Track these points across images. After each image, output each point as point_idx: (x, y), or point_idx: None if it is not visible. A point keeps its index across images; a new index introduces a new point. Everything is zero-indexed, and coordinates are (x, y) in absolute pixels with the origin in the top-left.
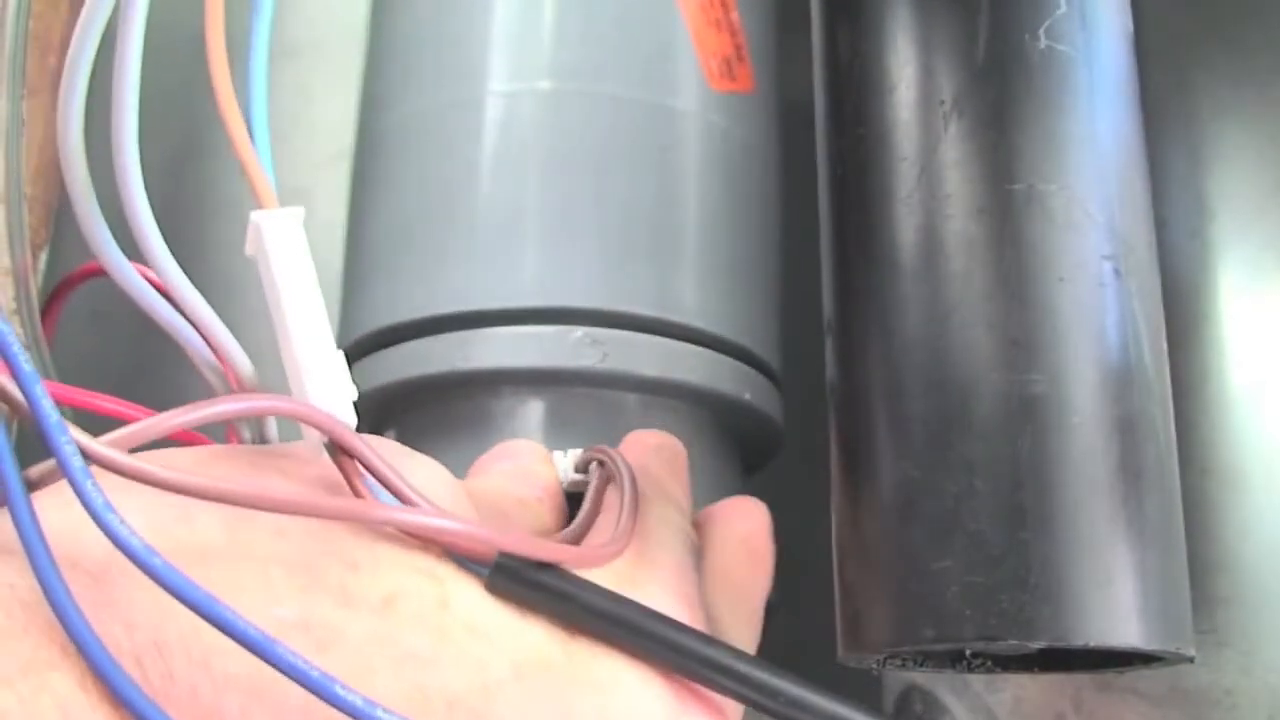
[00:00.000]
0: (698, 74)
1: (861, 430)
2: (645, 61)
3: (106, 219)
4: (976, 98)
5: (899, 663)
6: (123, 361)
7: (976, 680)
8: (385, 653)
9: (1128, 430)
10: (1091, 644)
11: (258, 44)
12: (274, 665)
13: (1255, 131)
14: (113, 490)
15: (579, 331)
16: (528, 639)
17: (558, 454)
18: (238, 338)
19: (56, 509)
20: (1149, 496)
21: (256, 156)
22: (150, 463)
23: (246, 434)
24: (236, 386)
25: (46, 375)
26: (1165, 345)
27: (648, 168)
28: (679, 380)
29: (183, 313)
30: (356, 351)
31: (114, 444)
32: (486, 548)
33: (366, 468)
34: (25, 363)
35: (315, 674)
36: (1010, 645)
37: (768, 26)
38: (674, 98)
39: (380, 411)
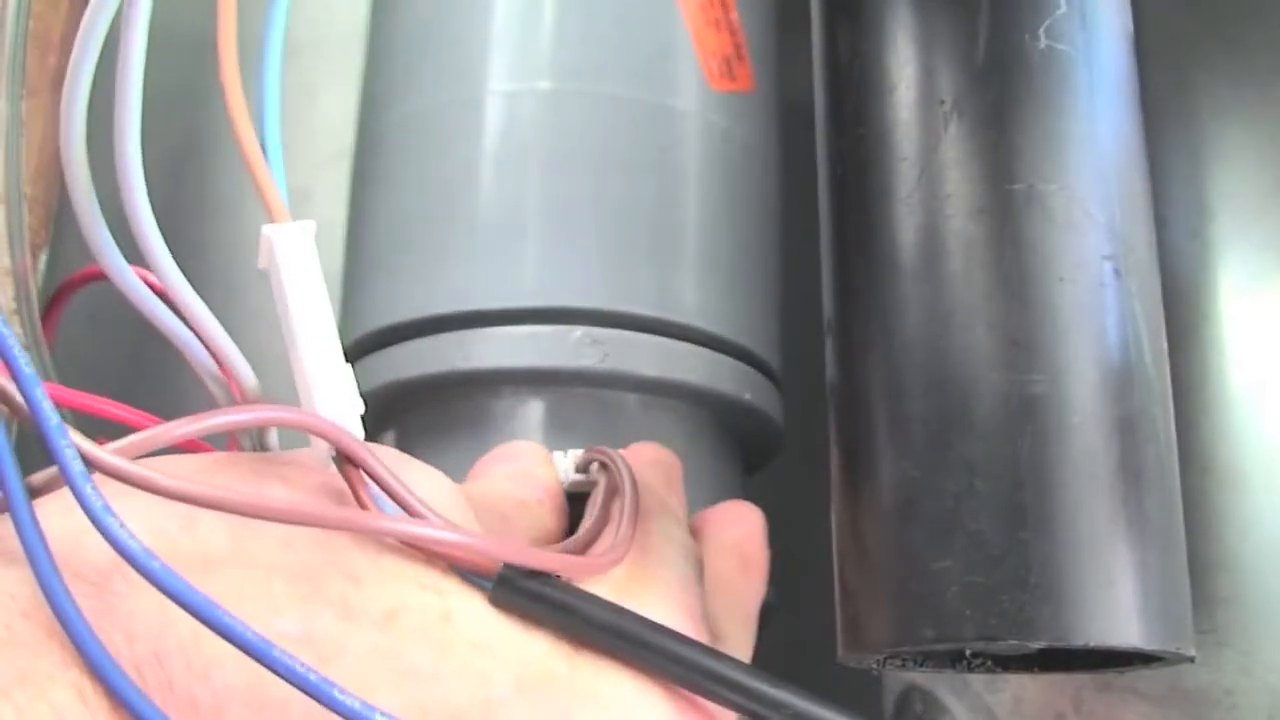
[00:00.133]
0: (698, 74)
1: (861, 430)
2: (645, 61)
3: (107, 221)
4: (976, 98)
5: (899, 663)
6: (123, 365)
7: (976, 680)
8: (387, 667)
9: (1128, 430)
10: (1092, 644)
11: (271, 56)
12: (271, 669)
13: (1255, 131)
14: (115, 497)
15: (579, 331)
16: (531, 652)
17: (558, 454)
18: (238, 338)
19: (58, 515)
20: (1149, 496)
21: (269, 170)
22: (153, 470)
23: (247, 442)
24: (238, 394)
25: (47, 378)
26: (1165, 345)
27: (647, 168)
28: (679, 380)
29: (184, 319)
30: (357, 351)
31: (118, 452)
32: (489, 561)
33: (372, 478)
34: (26, 365)
35: (313, 678)
36: (1010, 645)
37: (768, 26)
38: (674, 98)
39: (380, 411)
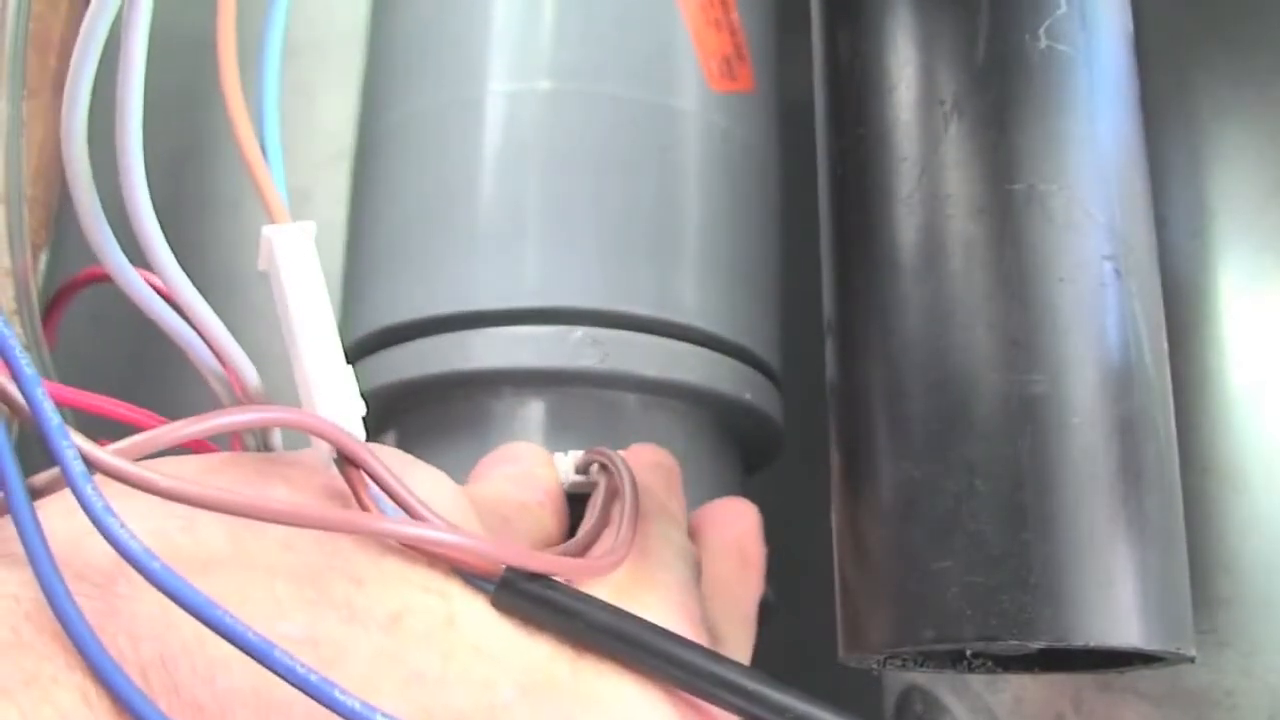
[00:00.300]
0: (698, 74)
1: (861, 430)
2: (645, 61)
3: (108, 222)
4: (976, 98)
5: (899, 663)
6: (123, 366)
7: (976, 680)
8: (392, 672)
9: (1128, 430)
10: (1092, 644)
11: (270, 57)
12: (271, 669)
13: (1255, 131)
14: (116, 498)
15: (579, 331)
16: (534, 657)
17: (558, 455)
18: (239, 338)
19: (61, 516)
20: (1149, 496)
21: (269, 172)
22: (153, 471)
23: (250, 441)
24: (241, 394)
25: (47, 378)
26: (1165, 345)
27: (648, 168)
28: (679, 380)
29: (186, 318)
30: (357, 352)
31: (119, 453)
32: (490, 563)
33: (373, 479)
34: (27, 365)
35: (314, 678)
36: (1010, 645)
37: (768, 26)
38: (674, 98)
39: (380, 412)
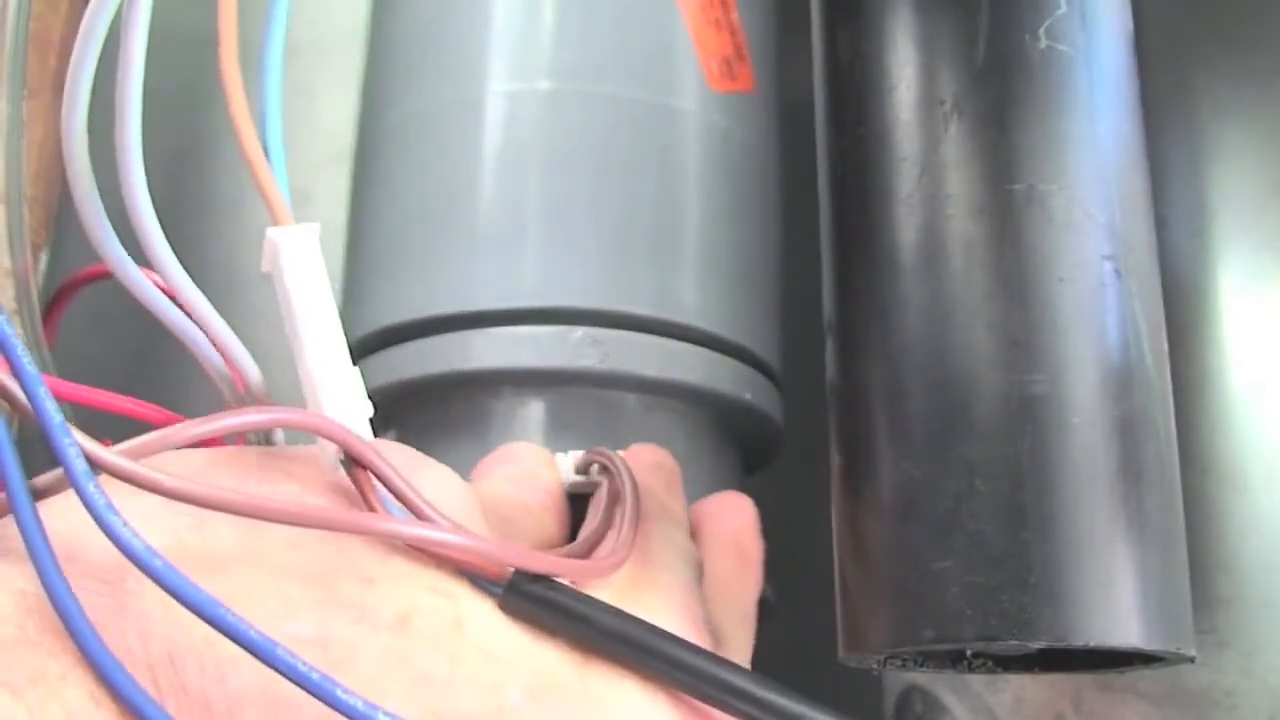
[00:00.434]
0: (698, 74)
1: (861, 430)
2: (645, 61)
3: (109, 220)
4: (976, 98)
5: (899, 663)
6: (124, 364)
7: (976, 680)
8: (400, 674)
9: (1128, 430)
10: (1092, 644)
11: (271, 57)
12: (274, 668)
13: (1255, 131)
14: (123, 497)
15: (579, 331)
16: (541, 661)
17: (559, 455)
18: (240, 335)
19: (68, 513)
20: (1149, 496)
21: (272, 174)
22: (157, 470)
23: (253, 436)
24: (244, 392)
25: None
26: (1165, 345)
27: (648, 168)
28: (679, 380)
29: (188, 316)
30: (357, 352)
31: (124, 453)
32: (494, 564)
33: (379, 479)
34: (29, 363)
35: (315, 676)
36: (1010, 645)
37: (768, 26)
38: (674, 98)
39: (381, 412)
